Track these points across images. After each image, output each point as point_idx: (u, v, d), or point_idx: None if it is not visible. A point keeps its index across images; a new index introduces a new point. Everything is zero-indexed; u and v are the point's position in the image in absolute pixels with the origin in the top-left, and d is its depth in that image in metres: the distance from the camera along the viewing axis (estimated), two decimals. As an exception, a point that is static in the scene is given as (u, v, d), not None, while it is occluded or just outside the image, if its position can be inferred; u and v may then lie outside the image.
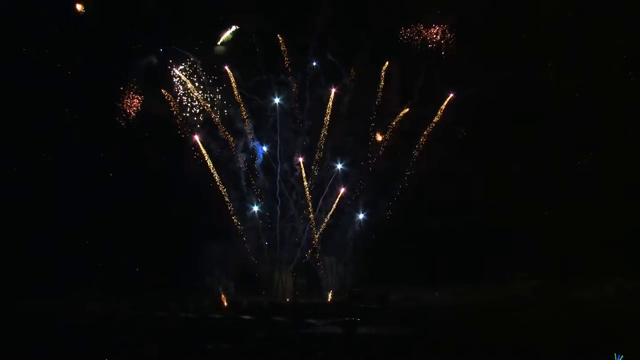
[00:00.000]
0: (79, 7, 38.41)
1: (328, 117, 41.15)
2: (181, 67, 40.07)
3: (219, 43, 40.58)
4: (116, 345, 25.92)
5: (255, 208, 41.42)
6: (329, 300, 40.65)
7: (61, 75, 38.92)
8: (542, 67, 38.99)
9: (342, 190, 41.12)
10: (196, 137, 39.95)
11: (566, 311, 30.21)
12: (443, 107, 40.53)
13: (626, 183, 37.19)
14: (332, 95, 40.88)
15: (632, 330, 23.79)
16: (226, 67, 40.40)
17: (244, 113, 41.13)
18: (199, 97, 40.41)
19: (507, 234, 38.32)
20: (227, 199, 40.82)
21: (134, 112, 39.34)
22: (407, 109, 40.95)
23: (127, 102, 39.35)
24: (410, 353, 24.03)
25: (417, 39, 40.07)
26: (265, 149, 41.40)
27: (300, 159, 41.24)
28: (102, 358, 24.42)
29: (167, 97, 39.83)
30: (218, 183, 40.56)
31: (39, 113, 38.79)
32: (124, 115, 39.37)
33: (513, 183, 39.35)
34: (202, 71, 40.52)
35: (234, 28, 40.39)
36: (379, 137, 41.61)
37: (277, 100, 41.05)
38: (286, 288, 41.11)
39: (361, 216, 41.22)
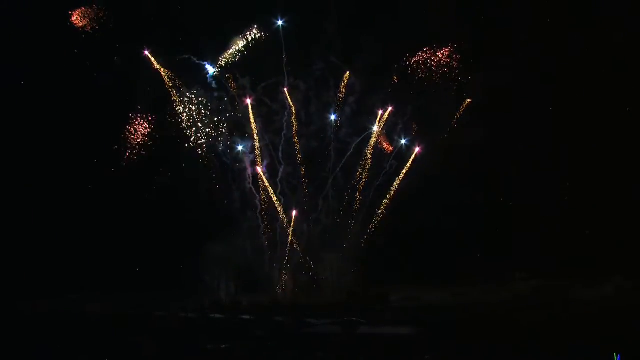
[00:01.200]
0: (75, 19, 38.40)
1: (342, 96, 41.18)
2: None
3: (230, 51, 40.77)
4: (116, 345, 25.89)
5: (240, 147, 40.78)
6: (328, 300, 40.67)
7: (73, 86, 39.10)
8: (542, 66, 39.09)
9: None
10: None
11: (566, 311, 30.18)
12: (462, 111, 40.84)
13: (626, 183, 37.23)
14: (346, 77, 40.82)
15: (632, 330, 23.79)
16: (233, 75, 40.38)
17: (251, 117, 41.55)
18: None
19: (507, 234, 38.34)
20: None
21: (143, 131, 39.69)
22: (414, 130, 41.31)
23: (135, 126, 39.63)
24: (410, 353, 24.02)
25: (422, 67, 40.38)
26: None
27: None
28: (102, 358, 24.42)
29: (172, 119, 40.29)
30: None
31: (43, 113, 39.05)
32: (132, 134, 39.70)
33: (513, 183, 39.42)
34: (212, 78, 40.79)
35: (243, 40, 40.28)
36: (389, 148, 41.68)
37: (280, 23, 39.32)
38: (286, 288, 41.16)
39: (403, 141, 40.88)
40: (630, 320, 25.92)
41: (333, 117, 41.51)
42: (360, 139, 41.64)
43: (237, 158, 41.24)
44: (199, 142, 40.65)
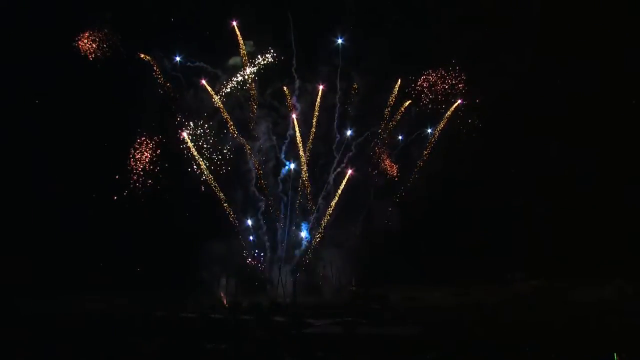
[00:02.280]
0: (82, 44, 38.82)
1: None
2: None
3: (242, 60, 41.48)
4: (116, 345, 25.89)
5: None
6: (328, 300, 40.67)
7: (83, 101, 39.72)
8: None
9: None
10: (184, 134, 40.41)
11: (566, 311, 30.17)
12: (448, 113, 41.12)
13: (627, 186, 37.26)
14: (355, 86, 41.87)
15: (632, 330, 23.80)
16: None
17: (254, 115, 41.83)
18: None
19: (507, 234, 38.34)
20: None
21: (148, 156, 40.04)
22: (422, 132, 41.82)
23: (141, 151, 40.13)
24: (410, 353, 24.02)
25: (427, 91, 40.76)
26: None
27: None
28: (103, 358, 24.43)
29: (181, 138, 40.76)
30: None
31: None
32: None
33: (513, 184, 39.46)
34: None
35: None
36: (390, 167, 41.71)
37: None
38: (286, 288, 41.18)
39: (429, 130, 41.87)
40: (630, 321, 25.95)
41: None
42: (362, 138, 41.88)
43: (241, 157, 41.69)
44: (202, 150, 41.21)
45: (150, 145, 39.92)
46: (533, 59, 38.52)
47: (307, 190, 41.95)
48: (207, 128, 41.09)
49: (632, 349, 19.96)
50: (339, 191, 41.46)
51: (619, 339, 22.32)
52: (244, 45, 41.20)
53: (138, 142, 39.80)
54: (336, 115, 42.03)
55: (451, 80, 40.25)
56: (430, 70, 40.51)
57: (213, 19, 40.67)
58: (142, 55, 39.97)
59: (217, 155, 41.15)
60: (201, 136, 40.95)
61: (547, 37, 38.35)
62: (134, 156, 39.64)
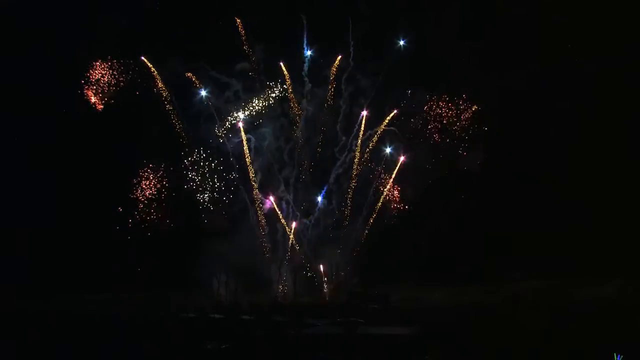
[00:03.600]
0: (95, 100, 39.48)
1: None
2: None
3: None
4: (116, 345, 25.91)
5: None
6: (328, 300, 40.69)
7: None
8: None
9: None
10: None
11: (566, 311, 30.17)
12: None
13: (627, 184, 37.24)
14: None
15: (632, 330, 23.80)
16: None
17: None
18: None
19: (507, 234, 38.34)
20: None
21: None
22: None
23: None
24: (410, 353, 24.04)
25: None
26: None
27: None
28: (102, 358, 24.46)
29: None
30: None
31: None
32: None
33: (513, 184, 39.46)
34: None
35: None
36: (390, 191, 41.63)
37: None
38: (286, 288, 41.19)
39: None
40: (630, 321, 25.94)
41: None
42: (364, 137, 41.89)
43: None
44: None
45: (157, 175, 40.18)
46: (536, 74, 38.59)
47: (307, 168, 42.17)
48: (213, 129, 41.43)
49: (632, 349, 19.94)
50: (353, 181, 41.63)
51: (619, 338, 22.33)
52: (255, 51, 41.60)
53: (143, 172, 40.10)
54: (340, 117, 42.09)
55: (457, 110, 40.25)
56: (435, 98, 40.44)
57: (223, 26, 41.32)
58: (159, 85, 40.28)
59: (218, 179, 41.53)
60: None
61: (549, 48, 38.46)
62: (138, 185, 39.86)
